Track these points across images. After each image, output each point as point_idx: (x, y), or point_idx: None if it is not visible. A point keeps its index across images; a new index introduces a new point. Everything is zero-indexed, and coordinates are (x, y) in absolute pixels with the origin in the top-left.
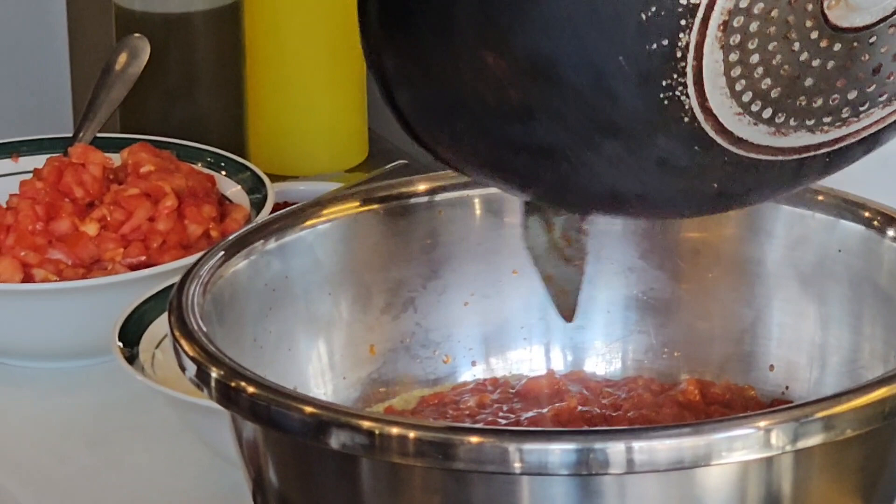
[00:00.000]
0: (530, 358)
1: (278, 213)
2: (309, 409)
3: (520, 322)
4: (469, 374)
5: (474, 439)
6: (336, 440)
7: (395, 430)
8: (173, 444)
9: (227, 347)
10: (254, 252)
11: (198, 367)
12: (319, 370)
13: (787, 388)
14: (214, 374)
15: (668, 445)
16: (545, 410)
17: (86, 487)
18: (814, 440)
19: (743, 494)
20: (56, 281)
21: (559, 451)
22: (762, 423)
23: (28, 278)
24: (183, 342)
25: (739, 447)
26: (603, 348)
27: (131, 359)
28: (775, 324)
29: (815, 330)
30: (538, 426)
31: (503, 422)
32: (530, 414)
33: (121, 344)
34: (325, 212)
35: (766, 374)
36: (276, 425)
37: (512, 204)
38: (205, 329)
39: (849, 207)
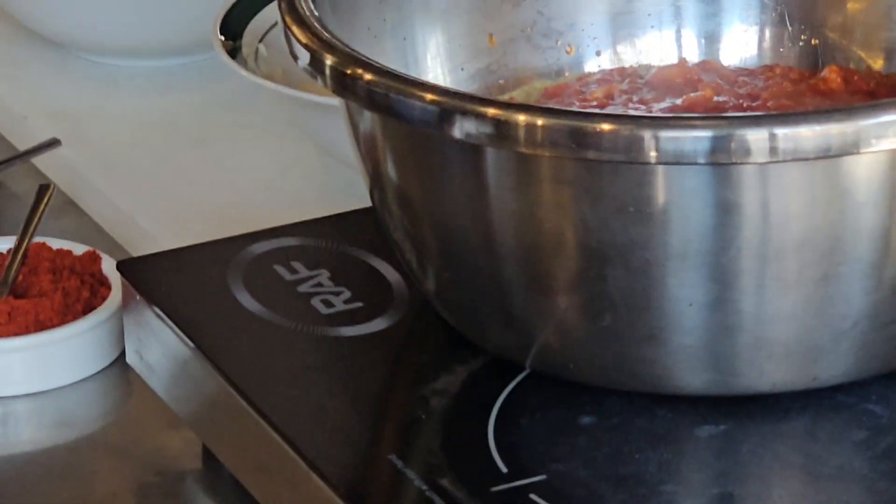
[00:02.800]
0: (660, 46)
1: None
2: (430, 97)
3: (647, 8)
4: (594, 63)
5: (606, 126)
6: (459, 129)
7: (522, 118)
8: (279, 142)
9: (342, 38)
10: None
11: (311, 55)
12: (437, 60)
13: None
14: (329, 60)
15: (815, 132)
16: (679, 101)
17: (188, 189)
18: None
19: (894, 186)
20: None
21: (698, 139)
22: None
23: None
24: (294, 28)
25: (892, 134)
26: (738, 35)
27: (233, 53)
28: None
29: None
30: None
31: (635, 114)
32: (663, 104)
33: (222, 37)
34: None
35: None
36: (396, 114)
37: None
38: (317, 14)
39: None
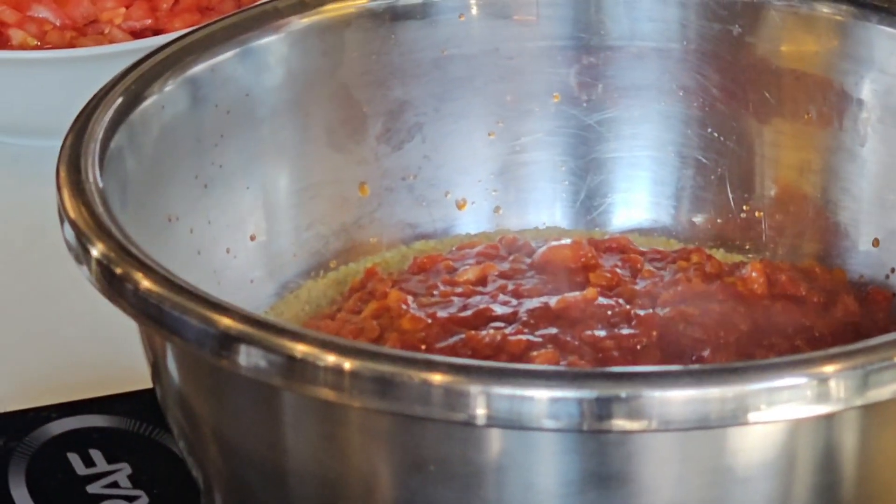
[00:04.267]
0: (564, 209)
1: (242, 10)
2: (215, 318)
3: (558, 160)
4: (487, 222)
5: (435, 378)
6: (247, 360)
7: (329, 358)
8: None
9: (153, 190)
10: (200, 62)
11: (77, 238)
12: (289, 214)
13: (892, 270)
14: (97, 251)
15: (687, 397)
16: (554, 301)
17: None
18: (889, 391)
19: (790, 462)
20: (37, 47)
21: (539, 400)
22: (817, 369)
23: (3, 42)
24: (66, 194)
25: (785, 400)
26: (658, 204)
27: None
28: (886, 186)
29: None
30: (539, 324)
31: (498, 311)
32: (534, 304)
33: None
34: (307, 9)
35: (866, 249)
36: (170, 330)
37: (553, 9)
38: (101, 184)
39: None
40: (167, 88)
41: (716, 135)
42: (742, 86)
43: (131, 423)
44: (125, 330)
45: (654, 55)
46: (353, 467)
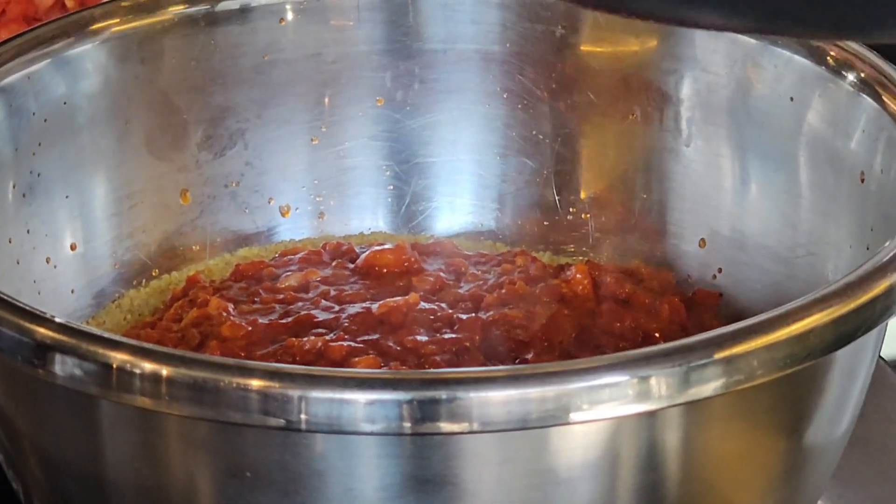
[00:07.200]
0: (389, 214)
1: (58, 17)
2: (29, 327)
3: (382, 165)
4: (311, 228)
5: (251, 383)
6: (62, 370)
7: (145, 366)
8: None
9: None
10: (14, 71)
11: None
12: (109, 222)
13: (720, 271)
14: None
15: (506, 397)
16: (376, 307)
17: None
18: (710, 388)
19: (613, 462)
20: None
21: (357, 403)
22: (637, 368)
23: None
24: None
25: (606, 399)
26: (484, 207)
27: None
28: (710, 185)
29: (762, 198)
30: (360, 330)
31: (320, 317)
32: (356, 309)
33: None
34: (124, 16)
35: (693, 250)
36: None
37: (372, 13)
38: None
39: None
40: None
41: (540, 137)
42: (566, 87)
43: None
44: None
45: (475, 58)
46: (172, 476)
